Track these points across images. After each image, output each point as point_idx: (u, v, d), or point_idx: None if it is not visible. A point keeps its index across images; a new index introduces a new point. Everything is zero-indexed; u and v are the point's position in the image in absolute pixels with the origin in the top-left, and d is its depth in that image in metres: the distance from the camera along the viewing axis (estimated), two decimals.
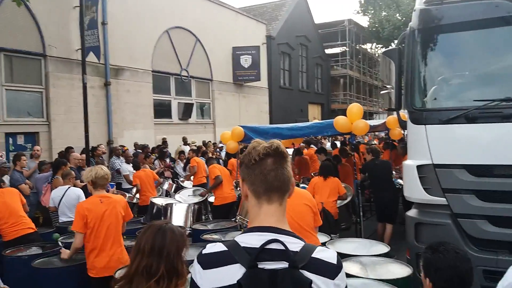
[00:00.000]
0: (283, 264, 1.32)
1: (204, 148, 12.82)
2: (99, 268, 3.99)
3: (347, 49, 31.13)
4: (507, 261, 3.34)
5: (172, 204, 7.02)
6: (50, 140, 11.42)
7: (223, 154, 13.76)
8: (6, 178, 7.95)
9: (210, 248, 1.43)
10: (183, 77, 16.55)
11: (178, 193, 8.56)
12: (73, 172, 6.70)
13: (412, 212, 4.22)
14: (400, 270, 3.62)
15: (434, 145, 3.91)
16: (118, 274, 3.75)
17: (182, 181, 10.46)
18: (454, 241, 3.57)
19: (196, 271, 1.40)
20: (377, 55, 38.81)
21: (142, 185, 8.08)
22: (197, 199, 8.04)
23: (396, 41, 28.36)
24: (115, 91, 13.36)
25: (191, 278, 1.43)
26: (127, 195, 8.43)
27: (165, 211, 6.91)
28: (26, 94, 11.24)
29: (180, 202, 7.53)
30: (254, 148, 1.46)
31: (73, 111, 11.74)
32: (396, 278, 3.37)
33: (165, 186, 9.69)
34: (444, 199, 3.89)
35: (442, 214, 3.93)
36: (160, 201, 7.42)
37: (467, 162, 3.79)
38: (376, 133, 18.87)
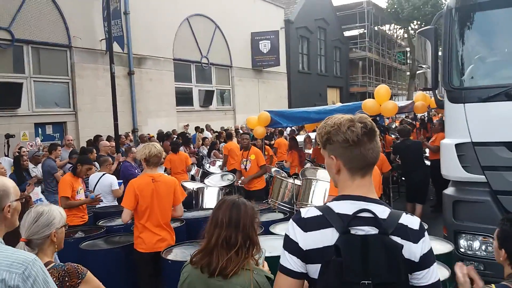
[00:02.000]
0: (374, 230, 1.45)
1: (224, 134, 12.91)
2: (148, 243, 4.08)
3: (366, 31, 30.66)
4: None
5: (203, 188, 7.16)
6: (78, 129, 11.70)
7: None
8: (39, 167, 8.24)
9: (307, 213, 1.54)
10: (203, 65, 16.65)
11: (207, 178, 8.70)
12: (110, 159, 6.87)
13: (449, 190, 4.24)
14: (440, 246, 3.67)
15: (473, 123, 3.91)
16: (166, 253, 3.92)
17: (209, 167, 10.60)
18: (494, 218, 3.60)
19: (297, 233, 1.51)
20: (395, 36, 38.15)
21: (174, 168, 8.29)
22: (226, 183, 8.18)
23: (416, 22, 27.73)
24: (138, 80, 13.56)
25: (288, 238, 1.54)
26: None
27: (196, 194, 7.05)
28: (53, 85, 11.52)
29: (210, 186, 7.67)
30: (350, 128, 1.50)
31: (98, 101, 11.99)
32: (438, 254, 3.41)
33: (192, 172, 9.83)
34: (484, 176, 3.91)
35: (481, 191, 3.95)
36: (191, 185, 7.56)
37: (507, 139, 3.79)
38: (397, 115, 18.69)
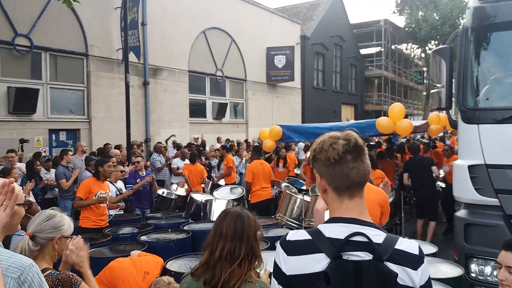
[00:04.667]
0: (367, 256, 1.33)
1: (236, 148, 12.90)
2: None
3: (382, 49, 30.64)
4: None
5: (211, 200, 7.12)
6: (90, 137, 11.79)
7: None
8: (52, 172, 8.34)
9: (294, 235, 1.45)
10: (218, 77, 16.75)
11: (216, 190, 8.68)
12: (120, 167, 6.96)
13: (461, 213, 4.13)
14: (450, 270, 3.56)
15: (487, 145, 3.82)
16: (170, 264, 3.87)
17: (217, 180, 10.58)
18: None
19: (281, 257, 1.43)
20: (412, 55, 38.02)
21: (191, 178, 8.60)
22: (235, 196, 8.13)
23: (433, 41, 27.55)
24: (153, 90, 13.68)
25: (275, 262, 1.46)
26: (165, 191, 8.66)
27: (204, 206, 7.01)
28: (69, 92, 11.65)
29: (219, 198, 7.62)
30: (331, 146, 1.42)
31: (112, 109, 12.11)
32: (448, 278, 3.32)
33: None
34: (497, 200, 3.80)
35: (494, 215, 3.83)
36: (200, 197, 7.53)
37: None
38: (411, 135, 18.49)
